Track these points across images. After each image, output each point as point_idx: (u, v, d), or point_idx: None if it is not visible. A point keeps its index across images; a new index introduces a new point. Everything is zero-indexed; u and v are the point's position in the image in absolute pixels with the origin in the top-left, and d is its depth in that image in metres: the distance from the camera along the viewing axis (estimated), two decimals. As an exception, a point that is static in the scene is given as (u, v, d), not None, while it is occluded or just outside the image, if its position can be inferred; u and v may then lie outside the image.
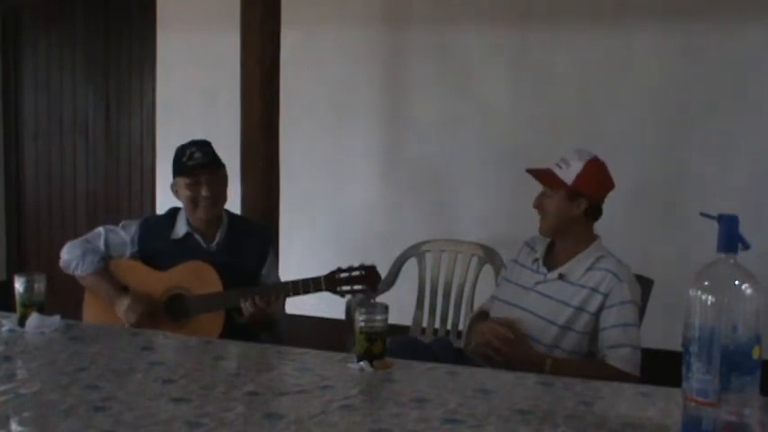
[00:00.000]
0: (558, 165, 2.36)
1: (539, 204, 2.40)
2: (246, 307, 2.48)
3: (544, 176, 2.38)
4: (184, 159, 2.62)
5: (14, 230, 5.43)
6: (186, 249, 2.66)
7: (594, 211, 2.40)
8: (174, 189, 2.69)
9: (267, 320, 2.59)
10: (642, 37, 3.92)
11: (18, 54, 5.34)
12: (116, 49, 5.09)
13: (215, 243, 2.69)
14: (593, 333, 2.30)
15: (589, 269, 2.33)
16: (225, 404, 1.58)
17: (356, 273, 2.46)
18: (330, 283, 2.47)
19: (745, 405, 1.26)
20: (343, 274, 2.47)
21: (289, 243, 3.77)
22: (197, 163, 2.61)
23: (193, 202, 2.63)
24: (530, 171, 2.41)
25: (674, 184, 3.91)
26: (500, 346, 2.24)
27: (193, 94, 4.71)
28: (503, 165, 4.15)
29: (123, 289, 2.63)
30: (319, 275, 2.48)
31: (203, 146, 2.66)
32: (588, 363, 2.29)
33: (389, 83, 4.42)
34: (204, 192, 2.61)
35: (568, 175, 2.33)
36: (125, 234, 2.71)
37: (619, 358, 2.22)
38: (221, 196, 2.68)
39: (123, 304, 2.58)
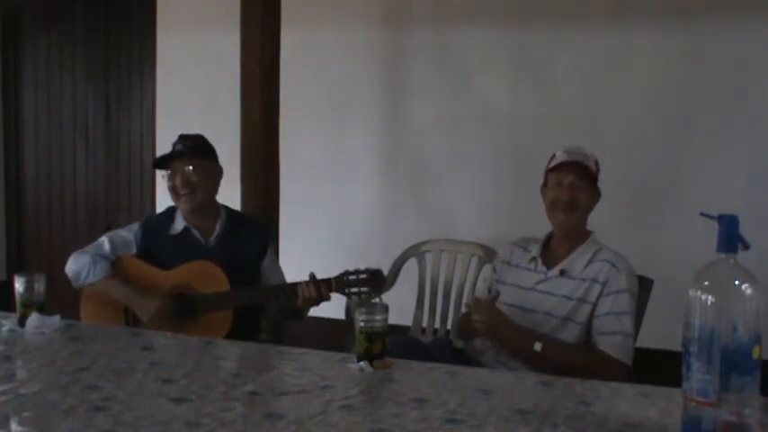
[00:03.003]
0: (581, 156, 2.36)
1: (573, 196, 2.35)
2: (310, 290, 2.48)
3: (579, 167, 2.35)
4: (168, 152, 2.68)
5: (14, 230, 5.43)
6: (185, 244, 2.67)
7: None
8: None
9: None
10: (642, 37, 3.92)
11: (18, 54, 5.34)
12: (116, 49, 5.09)
13: (213, 237, 2.70)
14: (590, 321, 2.31)
15: (589, 263, 2.35)
16: (225, 404, 1.57)
17: (363, 275, 2.50)
18: (339, 284, 2.50)
19: (745, 405, 1.26)
20: (351, 277, 2.50)
21: (289, 243, 3.76)
22: (173, 154, 2.65)
23: (173, 192, 2.66)
24: (566, 163, 2.36)
25: (674, 184, 3.90)
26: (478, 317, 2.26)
27: (193, 94, 4.70)
28: (503, 165, 4.15)
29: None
30: (329, 277, 2.51)
31: (188, 138, 2.69)
32: (578, 347, 2.30)
33: (389, 83, 4.42)
34: (178, 180, 2.63)
35: (593, 165, 2.38)
36: (128, 233, 2.73)
37: (609, 345, 2.23)
38: (199, 186, 2.65)
39: (140, 301, 2.58)
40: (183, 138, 2.70)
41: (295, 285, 2.53)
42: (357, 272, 2.51)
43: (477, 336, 2.36)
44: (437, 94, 4.28)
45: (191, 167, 2.63)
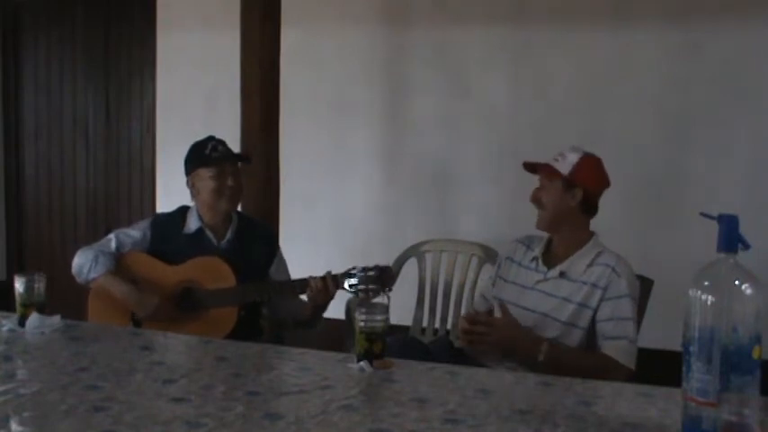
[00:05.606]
0: (554, 159, 2.40)
1: (536, 197, 2.41)
2: (317, 285, 2.49)
3: (541, 168, 2.42)
4: (207, 152, 2.67)
5: (14, 230, 5.43)
6: (197, 245, 2.69)
7: (590, 206, 2.41)
8: (192, 183, 2.71)
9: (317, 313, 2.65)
10: (642, 37, 3.92)
11: (18, 54, 5.35)
12: (116, 49, 5.09)
13: (225, 240, 2.72)
14: (593, 327, 2.31)
15: (589, 266, 2.34)
16: (225, 404, 1.57)
17: (371, 272, 2.48)
18: (345, 281, 2.49)
19: (745, 405, 1.26)
20: (360, 274, 2.49)
21: (289, 243, 3.76)
22: (222, 155, 2.67)
23: (218, 193, 2.66)
24: (527, 164, 2.45)
25: (674, 184, 3.91)
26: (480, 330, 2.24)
27: (193, 94, 4.70)
28: (503, 165, 4.15)
29: (133, 282, 2.64)
30: (335, 273, 2.50)
31: (222, 142, 2.73)
32: (584, 351, 2.30)
33: (389, 83, 4.42)
34: (230, 181, 2.67)
35: (564, 166, 2.37)
36: (136, 232, 2.74)
37: (615, 349, 2.23)
38: (242, 189, 2.75)
39: (138, 299, 2.59)
40: (216, 140, 2.72)
41: (305, 281, 2.54)
42: (365, 269, 2.48)
43: (479, 347, 2.32)
44: (437, 94, 4.28)
45: (238, 169, 2.73)
